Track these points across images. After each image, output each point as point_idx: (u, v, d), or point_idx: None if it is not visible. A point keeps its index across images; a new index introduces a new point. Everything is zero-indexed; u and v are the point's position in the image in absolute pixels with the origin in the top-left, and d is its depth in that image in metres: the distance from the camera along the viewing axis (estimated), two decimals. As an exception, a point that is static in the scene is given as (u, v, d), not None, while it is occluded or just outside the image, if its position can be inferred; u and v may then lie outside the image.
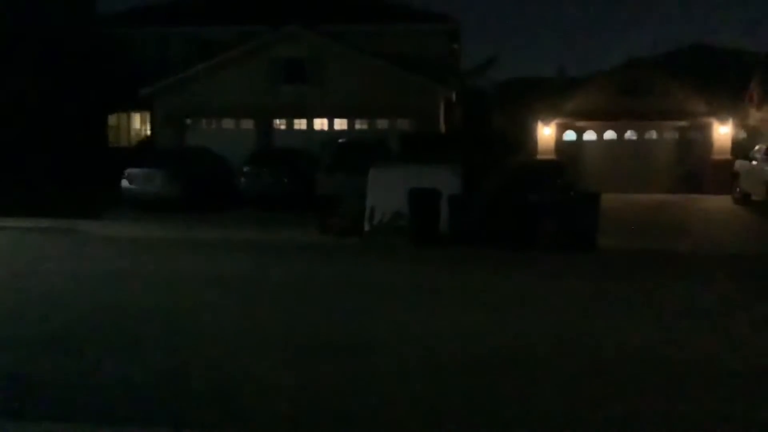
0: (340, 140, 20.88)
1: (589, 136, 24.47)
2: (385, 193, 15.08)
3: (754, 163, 19.37)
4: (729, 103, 23.75)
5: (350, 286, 10.21)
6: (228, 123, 24.56)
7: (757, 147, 19.97)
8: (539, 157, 23.57)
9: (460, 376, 6.41)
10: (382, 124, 23.67)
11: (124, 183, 18.56)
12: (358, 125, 23.83)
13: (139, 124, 28.58)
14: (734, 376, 6.45)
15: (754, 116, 24.93)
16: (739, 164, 20.75)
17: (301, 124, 24.18)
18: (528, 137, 24.35)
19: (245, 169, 19.28)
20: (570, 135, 24.48)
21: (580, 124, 24.29)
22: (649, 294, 9.82)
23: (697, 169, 23.34)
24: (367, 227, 15.21)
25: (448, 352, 7.07)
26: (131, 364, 6.63)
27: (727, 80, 25.11)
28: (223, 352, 7.06)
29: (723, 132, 23.61)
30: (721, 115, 23.52)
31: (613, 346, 7.32)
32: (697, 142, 23.88)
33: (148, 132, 26.81)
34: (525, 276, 11.09)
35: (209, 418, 5.50)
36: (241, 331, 7.85)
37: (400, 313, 8.69)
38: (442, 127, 24.06)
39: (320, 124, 24.07)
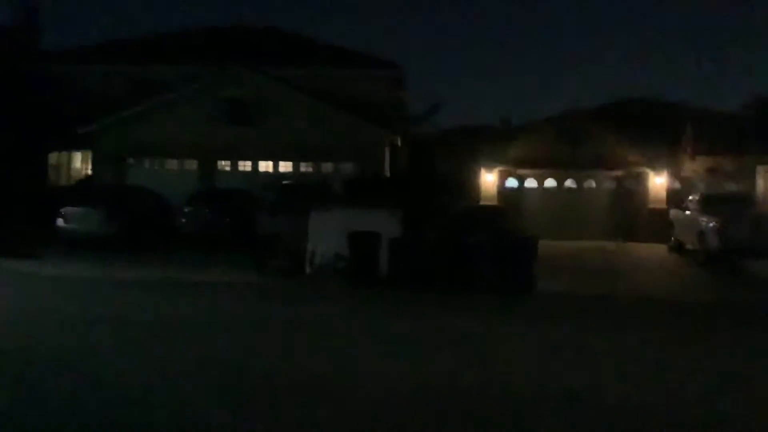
0: (283, 182, 20.87)
1: (530, 183, 24.95)
2: (326, 235, 15.10)
3: (687, 213, 19.92)
4: (665, 153, 24.54)
5: (282, 327, 10.11)
6: (171, 163, 24.35)
7: (690, 197, 20.58)
8: (482, 203, 23.90)
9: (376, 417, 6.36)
10: (326, 167, 23.78)
11: (60, 222, 18.16)
12: (303, 168, 23.89)
13: (80, 163, 28.13)
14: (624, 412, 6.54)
15: (689, 167, 25.78)
16: (674, 213, 21.33)
17: (245, 165, 24.12)
18: (471, 183, 24.71)
19: (186, 209, 19.10)
20: (512, 182, 24.92)
21: (522, 171, 24.77)
22: (574, 338, 9.96)
23: (633, 218, 23.94)
24: (308, 269, 15.17)
25: (366, 395, 7.04)
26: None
27: (662, 132, 25.93)
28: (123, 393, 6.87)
29: (658, 182, 24.34)
30: (656, 165, 24.27)
31: (528, 389, 7.33)
32: (633, 191, 24.54)
33: (89, 171, 26.37)
34: (457, 319, 11.09)
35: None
36: (151, 372, 7.66)
37: (328, 353, 8.66)
38: (387, 171, 24.27)
39: (265, 166, 24.05)
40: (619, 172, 24.53)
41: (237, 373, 7.66)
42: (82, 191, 22.28)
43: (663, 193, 24.29)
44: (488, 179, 24.69)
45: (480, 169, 24.70)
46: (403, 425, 6.19)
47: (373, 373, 7.77)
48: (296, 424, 6.12)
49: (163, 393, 6.89)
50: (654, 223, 22.82)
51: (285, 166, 23.91)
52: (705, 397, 7.16)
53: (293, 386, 7.19)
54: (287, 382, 7.32)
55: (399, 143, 25.44)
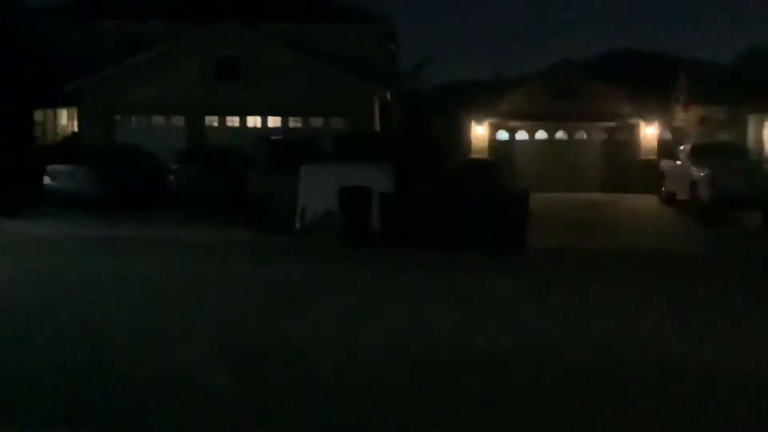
0: (272, 138, 20.63)
1: (521, 135, 24.82)
2: (317, 191, 14.95)
3: (678, 163, 19.88)
4: (655, 104, 24.41)
5: (272, 286, 10.06)
6: (158, 120, 24.03)
7: (681, 147, 20.51)
8: (472, 156, 23.78)
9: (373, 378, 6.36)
10: (316, 122, 23.53)
11: (47, 180, 17.95)
12: (292, 123, 23.63)
13: (67, 120, 27.74)
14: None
15: (680, 117, 25.67)
16: (665, 164, 21.28)
17: (233, 121, 23.84)
18: (462, 138, 24.56)
19: (174, 167, 18.88)
20: (502, 134, 24.78)
21: (513, 123, 24.62)
22: (566, 292, 9.96)
23: (625, 170, 23.90)
24: (298, 226, 15.07)
25: (366, 355, 7.02)
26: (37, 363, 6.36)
27: (653, 83, 25.77)
28: (136, 350, 6.85)
29: (649, 133, 24.25)
30: (647, 116, 24.15)
31: (513, 346, 7.33)
32: (624, 143, 24.46)
33: (75, 129, 26.02)
34: (448, 276, 11.05)
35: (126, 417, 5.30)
36: (151, 330, 7.63)
37: (321, 312, 8.63)
38: (378, 127, 24.04)
39: (253, 121, 23.78)
40: (610, 124, 24.42)
41: (219, 332, 7.64)
42: (68, 149, 21.96)
43: (654, 144, 24.22)
44: (479, 132, 24.54)
45: (471, 123, 24.53)
46: (377, 384, 6.17)
47: (352, 334, 7.72)
48: (270, 386, 6.09)
49: (143, 346, 6.97)
50: (645, 174, 22.79)
51: (274, 122, 23.64)
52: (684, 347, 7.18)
53: (268, 348, 7.14)
54: (262, 344, 7.28)
55: (389, 98, 25.14)
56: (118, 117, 23.90)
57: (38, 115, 26.90)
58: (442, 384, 6.19)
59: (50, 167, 18.08)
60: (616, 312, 8.84)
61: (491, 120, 24.51)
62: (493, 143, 24.56)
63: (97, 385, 6.00)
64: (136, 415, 5.41)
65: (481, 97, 25.24)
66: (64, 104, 25.93)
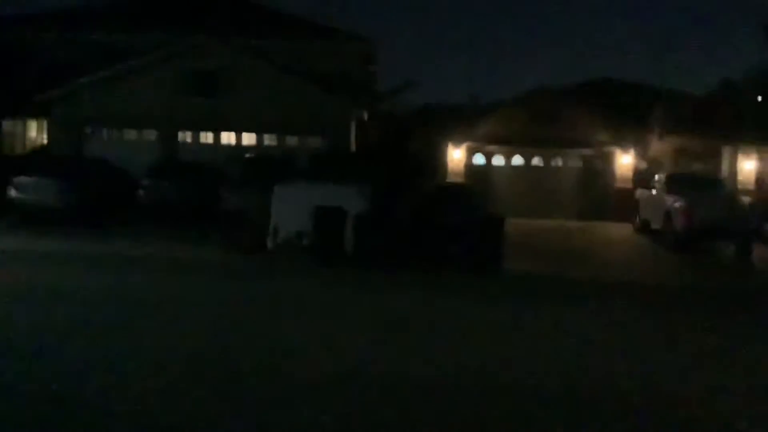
0: (247, 155, 20.33)
1: (498, 161, 24.73)
2: (290, 210, 14.65)
3: (653, 192, 19.89)
4: (632, 133, 24.46)
5: (238, 305, 9.77)
6: (130, 134, 23.61)
7: (656, 177, 20.54)
8: (449, 180, 23.63)
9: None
10: (291, 141, 23.24)
11: (12, 192, 17.44)
12: (267, 141, 23.33)
13: (36, 132, 27.21)
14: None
15: (656, 147, 25.77)
16: (640, 193, 21.30)
17: (207, 137, 23.47)
18: (439, 160, 24.41)
19: (145, 181, 18.48)
20: (479, 159, 24.67)
21: (489, 148, 24.52)
22: (535, 317, 9.79)
23: (600, 197, 23.89)
24: (270, 245, 14.75)
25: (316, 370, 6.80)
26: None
27: (630, 112, 25.88)
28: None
29: (625, 161, 24.27)
30: (623, 144, 24.19)
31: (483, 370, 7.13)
32: (600, 171, 24.46)
33: (45, 141, 25.50)
34: (419, 299, 10.83)
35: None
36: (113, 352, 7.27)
37: (286, 331, 8.40)
38: (354, 147, 23.84)
39: (227, 138, 23.43)
40: (586, 151, 24.41)
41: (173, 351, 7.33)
42: (36, 161, 21.44)
43: (630, 173, 24.24)
44: (456, 156, 24.40)
45: (448, 146, 24.40)
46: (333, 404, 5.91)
47: (317, 352, 7.56)
48: (232, 400, 5.81)
49: (106, 368, 6.60)
50: (621, 203, 22.78)
51: (248, 139, 23.33)
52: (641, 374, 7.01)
53: (232, 363, 6.98)
54: (231, 359, 7.06)
55: (366, 118, 24.97)
56: (89, 129, 23.42)
57: (7, 126, 26.36)
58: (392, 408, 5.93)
59: (16, 179, 17.59)
60: (586, 340, 8.67)
61: (468, 144, 24.40)
62: (470, 167, 24.43)
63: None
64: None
65: (458, 120, 25.15)
66: (35, 115, 25.43)
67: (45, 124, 25.16)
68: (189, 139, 23.44)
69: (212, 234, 15.34)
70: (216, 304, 9.86)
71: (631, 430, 5.82)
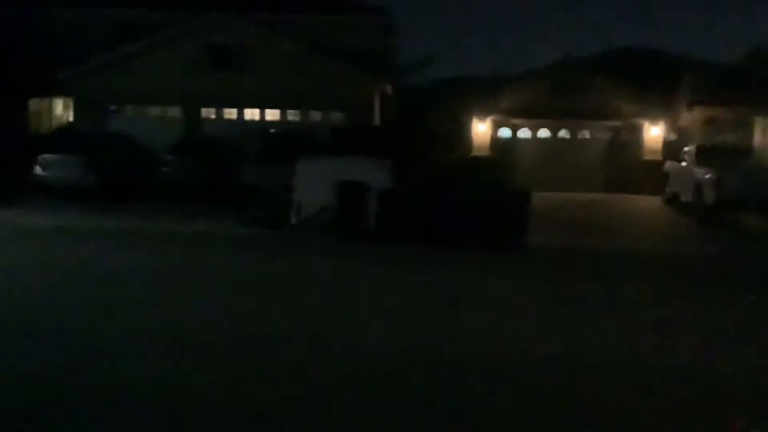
0: (270, 131, 20.25)
1: (524, 133, 24.41)
2: (313, 185, 14.56)
3: (683, 164, 19.51)
4: (660, 105, 23.98)
5: (259, 282, 9.71)
6: (154, 110, 23.65)
7: (686, 148, 20.13)
8: (474, 153, 23.38)
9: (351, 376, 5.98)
10: (315, 115, 23.14)
11: (37, 170, 17.57)
12: (291, 116, 23.25)
13: (62, 110, 27.34)
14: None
15: (686, 118, 25.25)
16: (669, 165, 20.92)
17: (231, 113, 23.45)
18: (464, 134, 24.14)
19: (168, 158, 18.49)
20: (505, 132, 24.37)
21: (515, 121, 24.20)
22: (561, 294, 9.57)
23: (628, 170, 23.50)
24: (293, 220, 14.69)
25: (339, 350, 6.73)
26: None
27: (658, 83, 25.34)
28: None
29: (654, 133, 23.84)
30: (652, 116, 23.74)
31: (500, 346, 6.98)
32: (629, 143, 24.05)
33: (71, 118, 25.62)
34: (443, 275, 10.68)
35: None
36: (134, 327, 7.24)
37: (308, 308, 8.28)
38: (377, 121, 23.66)
39: (251, 114, 23.38)
40: (614, 123, 24.00)
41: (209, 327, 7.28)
42: (60, 138, 21.56)
43: (659, 145, 23.81)
44: (480, 129, 24.12)
45: (472, 120, 24.12)
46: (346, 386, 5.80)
47: (335, 329, 7.46)
48: (245, 376, 5.73)
49: (127, 343, 6.53)
50: (649, 175, 22.39)
51: (272, 115, 23.25)
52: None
53: (255, 339, 6.89)
54: (250, 335, 7.00)
55: (389, 92, 24.73)
56: (113, 106, 23.50)
57: (33, 105, 26.52)
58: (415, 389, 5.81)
59: (41, 157, 17.70)
60: (617, 315, 8.48)
61: (493, 117, 24.09)
62: (495, 141, 24.14)
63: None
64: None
65: (483, 93, 24.81)
66: (59, 93, 25.54)
67: (71, 102, 25.25)
68: (212, 115, 23.44)
69: (235, 210, 15.30)
70: (252, 280, 9.78)
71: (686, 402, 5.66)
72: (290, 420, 5.13)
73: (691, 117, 24.65)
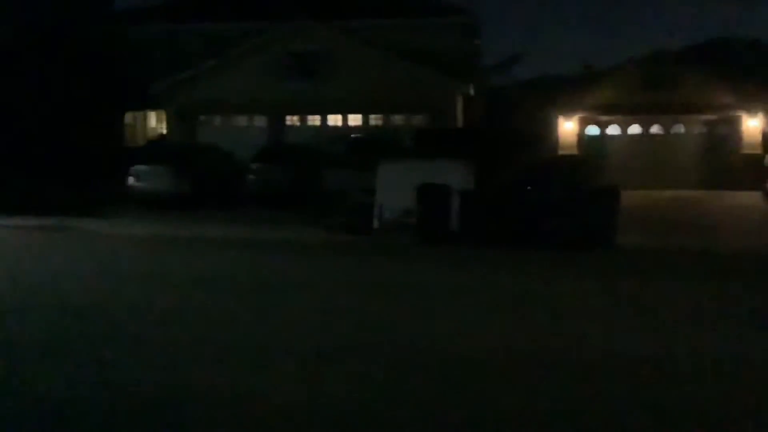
0: (352, 136, 20.35)
1: (613, 130, 23.68)
2: (395, 189, 14.47)
3: (786, 157, 18.48)
4: (759, 95, 22.80)
5: (352, 286, 9.62)
6: (240, 120, 24.20)
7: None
8: (560, 152, 22.84)
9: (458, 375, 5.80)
10: (397, 120, 23.12)
11: (131, 180, 18.24)
12: (373, 121, 23.31)
13: (155, 122, 28.34)
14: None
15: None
16: (771, 159, 19.88)
17: (314, 120, 23.72)
18: (550, 133, 23.62)
19: (254, 165, 18.85)
20: (593, 130, 23.71)
21: (604, 118, 23.51)
22: (657, 296, 9.07)
23: (726, 165, 22.42)
24: (375, 224, 14.64)
25: (445, 353, 6.49)
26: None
27: (755, 73, 24.14)
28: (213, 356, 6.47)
29: (752, 125, 22.69)
30: (750, 108, 22.59)
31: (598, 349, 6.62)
32: (725, 136, 22.97)
33: (163, 130, 26.52)
34: (532, 276, 10.36)
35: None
36: (235, 334, 7.26)
37: (400, 313, 8.11)
38: (460, 123, 23.42)
39: (334, 120, 23.57)
40: (710, 116, 22.98)
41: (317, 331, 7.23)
42: (152, 150, 22.35)
43: (758, 138, 22.62)
44: (567, 128, 23.53)
45: (558, 118, 23.56)
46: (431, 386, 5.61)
47: (442, 334, 7.21)
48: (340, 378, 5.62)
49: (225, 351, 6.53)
50: (748, 170, 21.28)
51: (354, 120, 23.37)
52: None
53: (346, 347, 6.70)
54: (343, 341, 6.85)
55: (472, 93, 24.45)
56: (202, 117, 24.16)
57: (128, 118, 27.60)
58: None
59: (134, 168, 18.36)
60: (716, 321, 7.96)
61: (580, 114, 23.47)
62: (583, 139, 23.51)
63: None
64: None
65: (569, 91, 24.22)
66: (151, 106, 26.47)
67: (163, 114, 26.13)
68: (297, 122, 23.75)
69: (320, 215, 15.39)
70: (329, 285, 9.73)
71: None
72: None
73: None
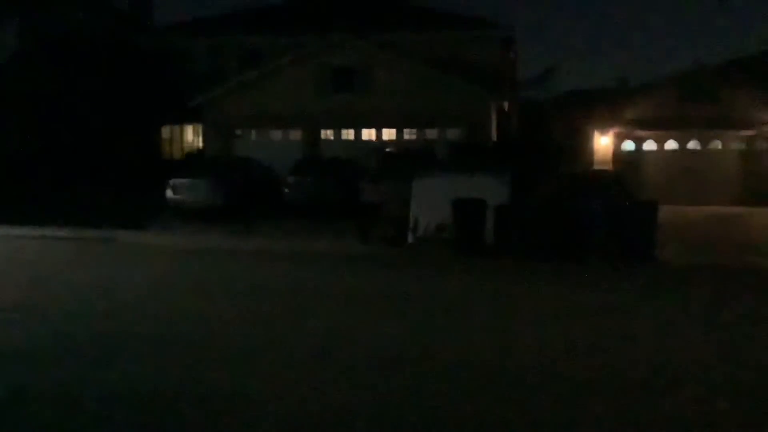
0: (386, 149, 20.42)
1: (649, 145, 23.43)
2: (430, 202, 14.54)
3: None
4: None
5: (389, 299, 9.65)
6: (276, 134, 24.39)
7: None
8: (595, 167, 22.65)
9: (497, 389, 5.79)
10: (431, 133, 23.13)
11: (169, 193, 18.47)
12: (407, 135, 23.35)
13: (192, 136, 28.72)
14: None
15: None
16: (812, 175, 19.48)
17: (348, 133, 23.83)
18: (585, 148, 23.45)
19: (290, 178, 18.99)
20: (629, 145, 23.48)
21: (640, 133, 23.28)
22: (700, 312, 8.96)
23: (764, 181, 22.04)
24: (411, 238, 14.68)
25: (483, 367, 6.49)
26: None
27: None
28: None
29: (793, 141, 22.30)
30: (791, 123, 22.21)
31: (641, 361, 6.56)
32: (764, 152, 22.59)
33: (201, 144, 26.86)
34: (563, 290, 10.30)
35: None
36: (274, 343, 7.36)
37: (440, 326, 8.16)
38: (494, 137, 23.37)
39: (368, 133, 23.67)
40: (748, 132, 22.63)
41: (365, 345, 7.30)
42: (189, 163, 22.63)
43: (799, 154, 22.22)
44: (603, 143, 23.35)
45: (594, 133, 23.39)
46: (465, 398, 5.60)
47: (503, 346, 7.27)
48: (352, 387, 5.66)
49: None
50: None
51: (389, 134, 23.44)
52: None
53: (390, 358, 6.76)
54: (385, 353, 6.89)
55: (506, 108, 24.39)
56: (238, 131, 24.43)
57: (166, 132, 28.03)
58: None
59: (171, 181, 18.60)
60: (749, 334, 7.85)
61: (616, 129, 23.27)
62: (618, 154, 23.28)
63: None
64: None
65: (604, 105, 24.02)
66: (189, 120, 26.83)
67: (200, 128, 26.49)
68: (331, 136, 23.90)
69: (354, 228, 15.45)
70: (364, 298, 9.77)
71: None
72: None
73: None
